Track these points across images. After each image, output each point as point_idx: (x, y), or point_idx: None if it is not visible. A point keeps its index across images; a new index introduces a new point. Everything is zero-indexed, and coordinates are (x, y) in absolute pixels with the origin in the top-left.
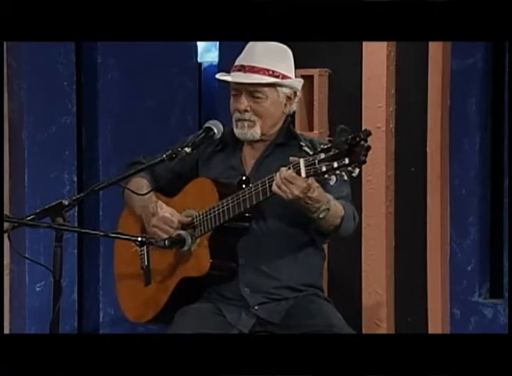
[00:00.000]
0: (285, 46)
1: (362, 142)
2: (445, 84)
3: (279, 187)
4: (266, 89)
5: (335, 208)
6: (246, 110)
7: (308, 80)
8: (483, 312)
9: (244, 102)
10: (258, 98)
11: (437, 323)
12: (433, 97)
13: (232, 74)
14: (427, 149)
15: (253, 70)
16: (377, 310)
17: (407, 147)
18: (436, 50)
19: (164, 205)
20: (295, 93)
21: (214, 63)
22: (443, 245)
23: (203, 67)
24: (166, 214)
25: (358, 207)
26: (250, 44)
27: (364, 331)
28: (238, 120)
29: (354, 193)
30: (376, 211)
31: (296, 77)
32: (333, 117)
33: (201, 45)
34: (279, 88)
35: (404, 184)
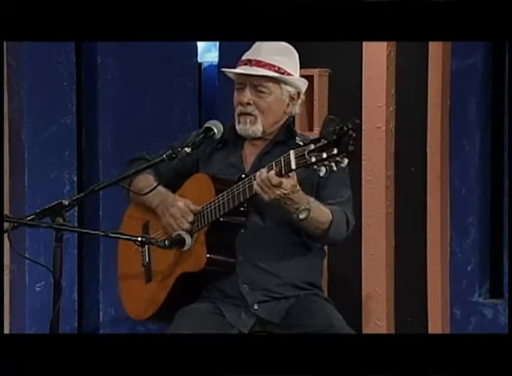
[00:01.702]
0: (291, 47)
1: (349, 132)
2: (445, 84)
3: (261, 188)
4: (270, 85)
5: (318, 212)
6: (248, 103)
7: (308, 80)
8: (483, 312)
9: (248, 95)
10: (262, 92)
11: (437, 323)
12: (433, 97)
13: (238, 67)
14: (427, 149)
15: (259, 64)
16: (377, 310)
17: (407, 147)
18: (436, 50)
19: (181, 198)
20: (298, 94)
21: (214, 63)
22: (443, 245)
23: (203, 67)
24: (183, 206)
25: (358, 207)
26: (259, 42)
27: (364, 331)
28: (240, 113)
29: (354, 194)
30: (376, 211)
31: None
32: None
33: (201, 45)
34: (283, 86)
35: (404, 184)
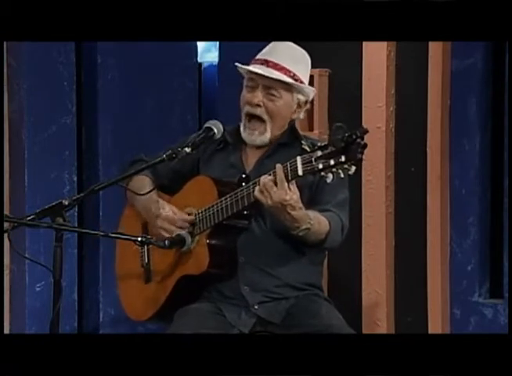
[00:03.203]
0: (307, 54)
1: (358, 140)
2: (445, 84)
3: (261, 192)
4: (283, 89)
5: (318, 227)
6: (258, 105)
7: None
8: (483, 312)
9: (259, 96)
10: (273, 96)
11: (437, 323)
12: (433, 97)
13: (253, 65)
14: (427, 149)
15: (276, 67)
16: (377, 310)
17: (407, 147)
18: (436, 50)
19: (166, 204)
20: (306, 102)
21: (214, 63)
22: (443, 245)
23: (203, 67)
24: (169, 213)
25: (358, 208)
26: (277, 42)
27: (364, 331)
28: (248, 114)
29: (354, 194)
30: (376, 211)
31: None
32: (333, 117)
33: (201, 45)
34: (294, 93)
35: (404, 184)
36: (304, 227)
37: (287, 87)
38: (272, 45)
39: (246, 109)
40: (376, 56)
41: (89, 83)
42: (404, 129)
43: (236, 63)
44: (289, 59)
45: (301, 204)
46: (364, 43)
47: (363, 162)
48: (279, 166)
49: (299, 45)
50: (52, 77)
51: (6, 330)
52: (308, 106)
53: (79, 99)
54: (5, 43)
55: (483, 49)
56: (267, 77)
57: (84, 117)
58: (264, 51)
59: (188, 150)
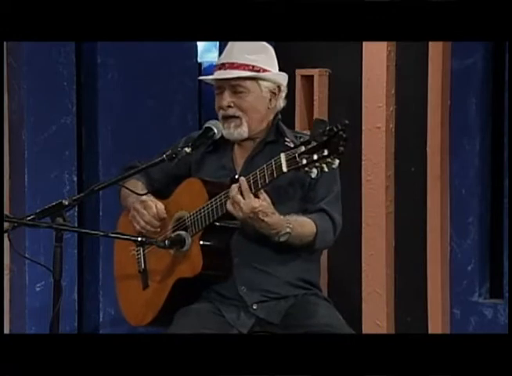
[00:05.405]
0: (265, 43)
1: (339, 133)
2: (445, 84)
3: (232, 205)
4: (248, 83)
5: (300, 229)
6: (229, 106)
7: (308, 80)
8: (483, 312)
9: (227, 98)
10: (240, 93)
11: (437, 323)
12: (433, 97)
13: (214, 73)
14: (427, 149)
15: (232, 66)
16: (377, 310)
17: (407, 147)
18: (436, 50)
19: (148, 203)
20: (279, 88)
21: (214, 63)
22: (443, 245)
23: (203, 67)
24: (151, 212)
25: (358, 207)
26: (230, 43)
27: (364, 331)
28: (223, 117)
29: (354, 194)
30: (376, 211)
31: (296, 77)
32: (333, 117)
33: (201, 45)
34: (260, 82)
35: (404, 184)
36: (283, 232)
37: (251, 80)
38: (227, 47)
39: (221, 113)
40: (376, 56)
41: (89, 83)
42: (404, 129)
43: (199, 77)
44: (244, 53)
45: (273, 210)
46: (364, 43)
47: (363, 162)
48: (242, 178)
49: (300, 45)
50: (52, 77)
51: (6, 330)
52: (285, 90)
53: (79, 99)
54: (5, 43)
55: (483, 49)
56: (228, 79)
57: (84, 117)
58: (221, 56)
59: (188, 150)
